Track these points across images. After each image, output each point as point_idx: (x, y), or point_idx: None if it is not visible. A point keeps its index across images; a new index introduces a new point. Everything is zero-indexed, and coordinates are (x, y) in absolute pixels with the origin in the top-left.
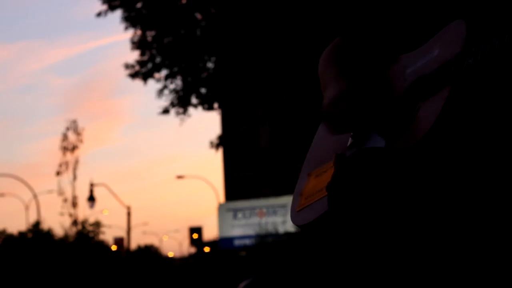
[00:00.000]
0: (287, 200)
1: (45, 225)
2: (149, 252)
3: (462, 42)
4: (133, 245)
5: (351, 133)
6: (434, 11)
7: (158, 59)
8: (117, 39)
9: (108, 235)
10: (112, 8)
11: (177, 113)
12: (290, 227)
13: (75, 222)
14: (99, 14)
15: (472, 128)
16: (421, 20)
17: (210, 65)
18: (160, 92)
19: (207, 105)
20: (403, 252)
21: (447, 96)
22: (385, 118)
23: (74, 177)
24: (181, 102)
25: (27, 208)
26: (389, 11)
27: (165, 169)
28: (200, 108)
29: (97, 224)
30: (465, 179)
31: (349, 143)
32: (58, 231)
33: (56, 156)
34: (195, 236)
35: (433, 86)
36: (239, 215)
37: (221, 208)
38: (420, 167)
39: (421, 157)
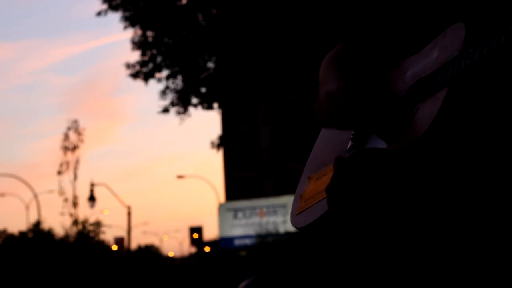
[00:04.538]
0: (287, 200)
1: (45, 225)
2: (150, 252)
3: (460, 45)
4: (134, 245)
5: (351, 137)
6: (435, 14)
7: (159, 59)
8: (118, 39)
9: (108, 235)
10: (112, 8)
11: (178, 113)
12: (290, 227)
13: (75, 222)
14: (99, 14)
15: (470, 127)
16: (422, 24)
17: (210, 65)
18: (163, 92)
19: (207, 105)
20: (401, 252)
21: (444, 97)
22: (384, 118)
23: (75, 177)
24: (182, 102)
25: (27, 208)
26: (391, 16)
27: (165, 169)
28: (200, 108)
29: (98, 224)
30: (462, 178)
31: (348, 146)
32: (59, 231)
33: (57, 156)
34: (196, 236)
35: (431, 88)
36: (240, 215)
37: (221, 208)
38: (416, 166)
39: (417, 156)
